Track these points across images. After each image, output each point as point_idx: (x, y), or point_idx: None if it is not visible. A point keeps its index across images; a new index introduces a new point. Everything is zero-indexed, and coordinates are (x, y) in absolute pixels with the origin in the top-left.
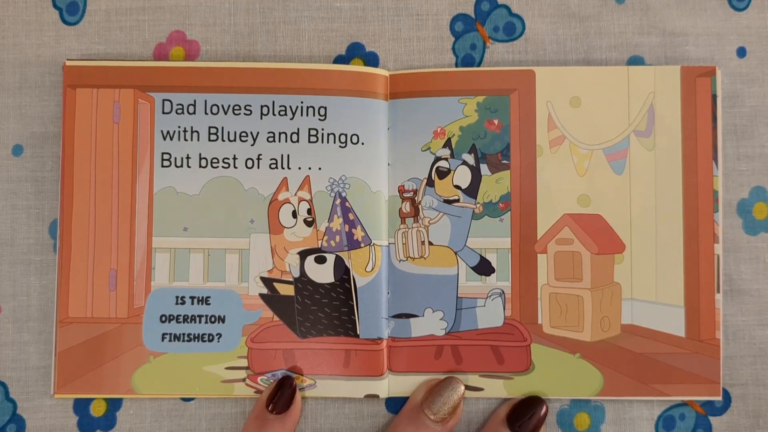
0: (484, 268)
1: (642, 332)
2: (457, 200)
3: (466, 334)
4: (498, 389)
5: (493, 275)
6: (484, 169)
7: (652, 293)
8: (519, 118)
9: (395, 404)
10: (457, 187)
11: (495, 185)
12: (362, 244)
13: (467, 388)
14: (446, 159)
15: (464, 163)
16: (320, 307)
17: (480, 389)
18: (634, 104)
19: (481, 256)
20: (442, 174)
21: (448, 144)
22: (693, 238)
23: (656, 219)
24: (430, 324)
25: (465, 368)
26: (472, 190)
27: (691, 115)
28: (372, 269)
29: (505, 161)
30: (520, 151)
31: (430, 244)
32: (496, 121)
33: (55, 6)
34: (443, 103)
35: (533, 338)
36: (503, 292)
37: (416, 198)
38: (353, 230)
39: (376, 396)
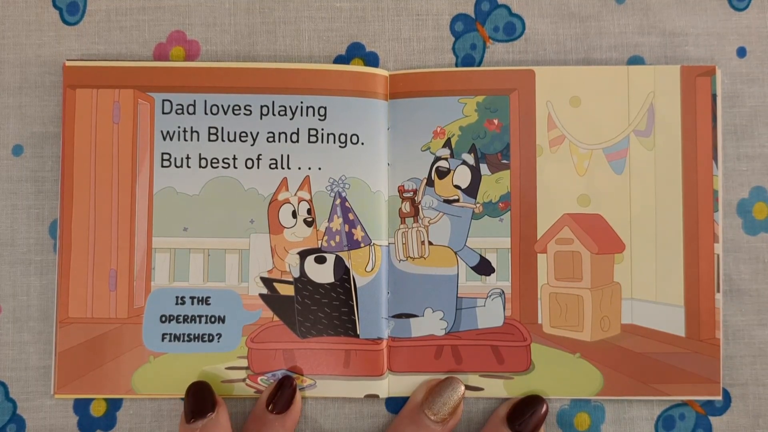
0: (484, 268)
1: (642, 332)
2: (457, 200)
3: (466, 334)
4: (498, 389)
5: (493, 275)
6: (483, 168)
7: (652, 293)
8: (519, 118)
9: (395, 404)
10: (457, 187)
11: (495, 185)
12: (362, 244)
13: (467, 388)
14: (446, 159)
15: (464, 162)
16: (320, 307)
17: (480, 389)
18: (633, 104)
19: (481, 256)
20: (442, 174)
21: (447, 144)
22: (693, 238)
23: (656, 219)
24: (430, 324)
25: (465, 368)
26: (471, 190)
27: (691, 115)
28: (372, 269)
29: (504, 161)
30: (519, 151)
31: (430, 244)
32: (495, 121)
33: (55, 6)
34: (443, 103)
35: (533, 338)
36: (503, 292)
37: (416, 198)
38: (353, 230)
39: (376, 396)
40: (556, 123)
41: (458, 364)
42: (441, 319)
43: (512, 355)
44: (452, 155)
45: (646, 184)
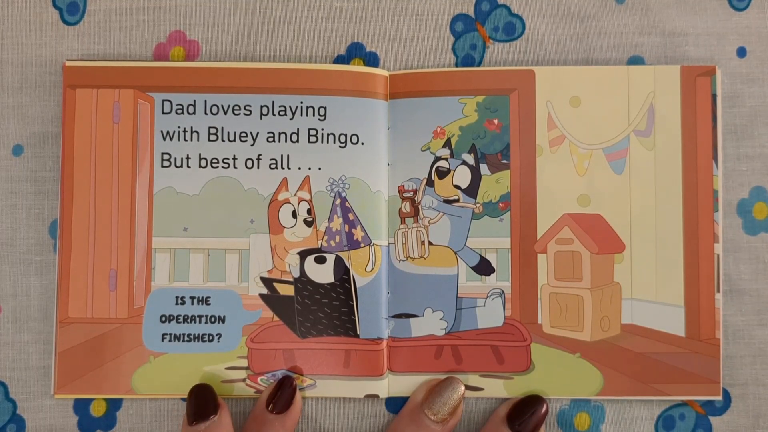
0: (484, 268)
1: (642, 332)
2: (457, 200)
3: (466, 334)
4: (498, 389)
5: (493, 275)
6: (483, 168)
7: (651, 293)
8: (519, 118)
9: (395, 404)
10: (457, 187)
11: (495, 185)
12: (362, 244)
13: (467, 388)
14: (446, 159)
15: (464, 163)
16: (320, 307)
17: (480, 389)
18: (633, 104)
19: (481, 256)
20: (442, 174)
21: (447, 144)
22: (693, 238)
23: (656, 219)
24: (430, 324)
25: (465, 368)
26: (471, 190)
27: (691, 115)
28: (372, 269)
29: (504, 161)
30: (519, 151)
31: (430, 244)
32: (495, 121)
33: (55, 6)
34: (443, 103)
35: (533, 338)
36: (503, 292)
37: (416, 198)
38: (353, 230)
39: (376, 396)
40: (556, 123)
41: (458, 364)
42: (441, 319)
43: (512, 355)
44: (452, 155)
45: (646, 184)
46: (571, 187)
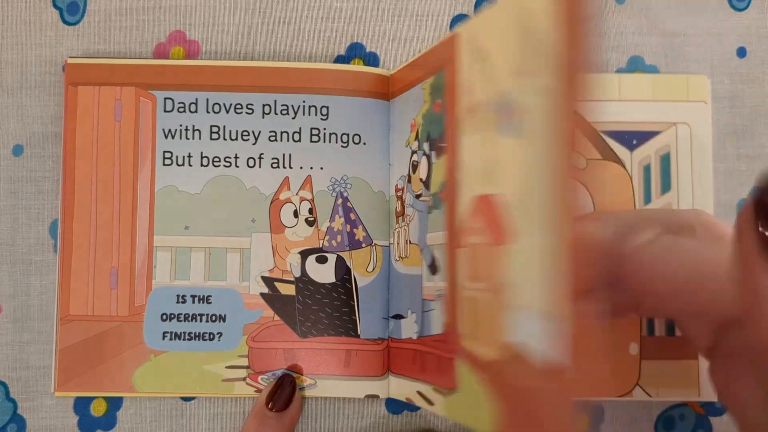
0: (434, 266)
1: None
2: (422, 194)
3: (427, 340)
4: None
5: (439, 274)
6: (434, 156)
7: None
8: (451, 93)
9: (396, 404)
10: (421, 180)
11: (438, 173)
12: (363, 244)
13: (423, 398)
14: (416, 152)
15: (424, 153)
16: (321, 307)
17: (432, 404)
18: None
19: (432, 253)
20: (414, 168)
21: (417, 136)
22: None
23: None
24: (409, 326)
25: (427, 378)
26: (428, 182)
27: None
28: (373, 269)
29: (442, 144)
30: (449, 131)
31: (410, 242)
32: (439, 102)
33: (55, 6)
34: (414, 94)
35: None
36: (443, 294)
37: (404, 196)
38: (355, 230)
39: (377, 396)
40: (468, 88)
41: (422, 372)
42: (414, 321)
43: (437, 367)
44: (419, 147)
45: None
46: (479, 163)
